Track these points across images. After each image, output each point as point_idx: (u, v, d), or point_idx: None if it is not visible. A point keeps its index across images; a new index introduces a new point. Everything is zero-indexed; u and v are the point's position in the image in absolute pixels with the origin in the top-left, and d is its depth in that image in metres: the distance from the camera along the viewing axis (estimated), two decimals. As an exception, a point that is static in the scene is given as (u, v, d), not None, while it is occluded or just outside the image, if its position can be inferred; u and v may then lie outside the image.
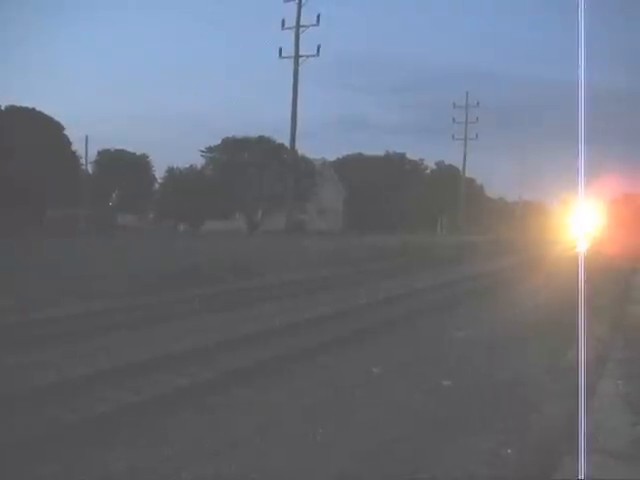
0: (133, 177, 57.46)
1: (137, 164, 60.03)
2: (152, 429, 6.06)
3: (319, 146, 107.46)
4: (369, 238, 34.79)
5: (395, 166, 76.18)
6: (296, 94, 32.01)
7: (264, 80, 79.89)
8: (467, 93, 56.93)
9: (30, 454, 5.24)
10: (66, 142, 50.63)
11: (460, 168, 60.64)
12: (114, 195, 60.50)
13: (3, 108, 46.95)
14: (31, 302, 12.90)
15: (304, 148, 53.12)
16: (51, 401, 6.65)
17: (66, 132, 50.51)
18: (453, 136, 57.27)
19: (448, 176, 71.18)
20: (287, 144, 35.82)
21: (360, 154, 76.60)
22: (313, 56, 32.11)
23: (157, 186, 61.56)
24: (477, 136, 56.63)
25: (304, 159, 54.04)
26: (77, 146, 53.23)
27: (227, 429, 6.13)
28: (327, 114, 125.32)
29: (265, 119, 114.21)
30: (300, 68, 31.99)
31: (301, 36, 32.15)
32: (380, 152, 78.75)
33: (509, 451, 5.63)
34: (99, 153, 59.42)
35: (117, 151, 60.06)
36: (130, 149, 60.65)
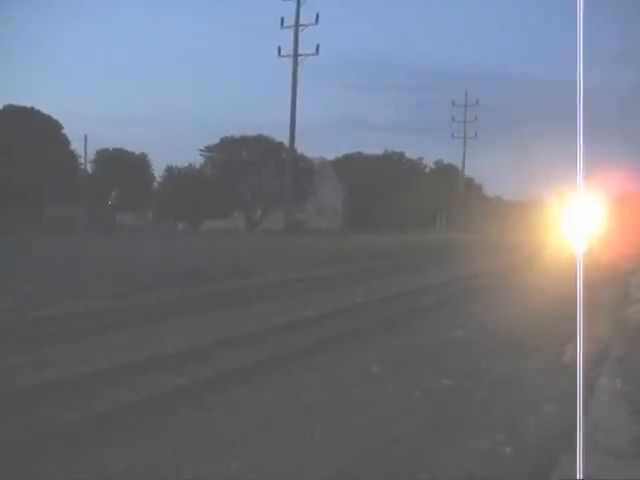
0: (132, 176, 57.43)
1: (136, 163, 59.99)
2: (151, 428, 6.06)
3: (318, 145, 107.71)
4: (366, 237, 34.78)
5: (394, 165, 76.17)
6: (295, 93, 32.06)
7: (263, 79, 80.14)
8: (466, 92, 57.10)
9: (29, 453, 5.24)
10: (65, 141, 50.60)
11: (459, 167, 60.74)
12: (113, 194, 60.47)
13: (2, 107, 46.93)
14: (30, 301, 12.90)
15: (303, 147, 53.15)
16: (50, 400, 6.65)
17: (65, 131, 50.53)
18: (452, 135, 57.49)
19: (447, 175, 71.21)
20: (286, 143, 35.87)
21: (359, 153, 76.60)
22: (312, 55, 32.19)
23: (156, 185, 61.55)
24: (476, 135, 56.82)
25: (303, 158, 54.02)
26: (76, 145, 53.24)
27: (226, 428, 6.13)
28: (326, 113, 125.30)
29: (264, 118, 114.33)
30: (299, 67, 32.05)
31: (300, 35, 32.21)
32: (379, 151, 78.81)
33: (507, 450, 5.63)
34: (98, 152, 59.38)
35: (116, 150, 60.02)
36: (129, 148, 60.65)
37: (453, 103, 57.05)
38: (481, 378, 8.09)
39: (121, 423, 6.06)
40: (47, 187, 41.68)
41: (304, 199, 53.07)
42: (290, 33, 32.22)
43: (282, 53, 32.59)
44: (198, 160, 58.91)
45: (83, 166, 56.09)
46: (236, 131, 57.44)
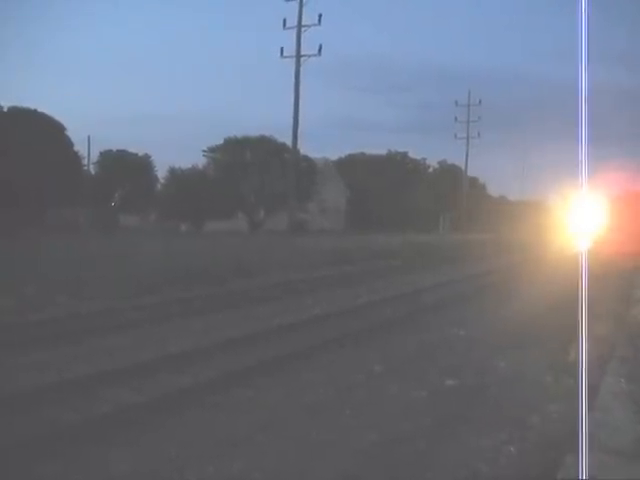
0: (135, 177, 57.48)
1: (139, 164, 60.05)
2: (154, 428, 6.05)
3: (321, 145, 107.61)
4: (369, 237, 34.76)
5: (397, 165, 76.16)
6: (298, 93, 32.05)
7: (266, 80, 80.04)
8: (469, 92, 57.05)
9: (31, 454, 5.24)
10: (68, 143, 50.65)
11: (462, 167, 60.70)
12: (116, 196, 60.53)
13: (5, 109, 46.99)
14: (32, 302, 12.90)
15: (306, 147, 53.20)
16: (51, 401, 6.63)
17: (68, 133, 50.58)
18: (455, 135, 57.43)
19: (450, 175, 71.20)
20: (289, 144, 35.86)
21: (362, 153, 76.56)
22: (315, 55, 32.18)
23: (159, 186, 61.60)
24: (479, 135, 56.75)
25: (306, 158, 54.02)
26: (79, 147, 53.31)
27: (229, 428, 6.11)
28: (329, 113, 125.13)
29: (267, 119, 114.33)
30: (302, 68, 32.04)
31: (303, 36, 32.21)
32: (382, 151, 78.77)
33: (512, 449, 5.61)
34: (101, 154, 59.48)
35: (119, 151, 60.09)
36: (132, 149, 60.71)
37: (456, 103, 57.03)
38: (486, 376, 8.07)
39: (124, 424, 6.04)
40: (50, 188, 41.70)
41: (307, 199, 53.05)
42: (293, 34, 32.26)
43: (285, 54, 32.61)
44: (201, 161, 59.02)
45: (86, 167, 56.21)
46: (239, 132, 57.53)
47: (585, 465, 3.49)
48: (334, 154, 75.34)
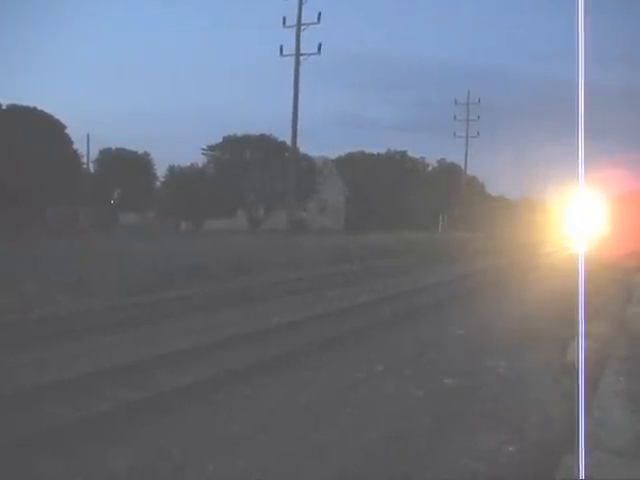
0: (135, 176, 57.44)
1: (138, 163, 60.00)
2: (154, 426, 6.06)
3: (320, 144, 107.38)
4: (368, 236, 34.73)
5: (397, 164, 76.09)
6: (297, 92, 31.99)
7: (265, 78, 79.96)
8: (469, 90, 56.95)
9: (31, 452, 5.25)
10: (68, 141, 50.62)
11: (462, 166, 60.64)
12: (116, 194, 60.49)
13: (4, 107, 46.94)
14: (32, 300, 12.91)
15: (305, 146, 53.24)
16: (52, 399, 6.65)
17: (67, 131, 50.54)
18: (455, 134, 57.24)
19: (450, 174, 71.12)
20: (289, 142, 35.81)
21: (362, 152, 76.48)
22: (314, 54, 32.11)
23: (159, 185, 61.56)
24: (479, 134, 56.61)
25: (305, 157, 53.98)
26: (78, 145, 53.28)
27: (230, 427, 6.12)
28: (328, 112, 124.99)
29: (266, 117, 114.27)
30: (301, 66, 31.98)
31: (302, 34, 32.14)
32: (382, 150, 78.72)
33: (510, 449, 5.62)
34: (100, 152, 59.45)
35: (118, 150, 60.05)
36: (131, 148, 60.67)
37: (455, 102, 56.89)
38: (485, 376, 8.08)
39: (123, 422, 6.05)
40: (49, 186, 41.69)
41: (307, 198, 52.99)
42: (292, 32, 32.17)
43: (284, 52, 32.52)
44: (200, 159, 58.93)
45: (86, 166, 56.18)
46: (238, 130, 57.47)
47: (583, 466, 3.51)
48: (333, 153, 75.35)
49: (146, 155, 61.75)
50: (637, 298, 14.34)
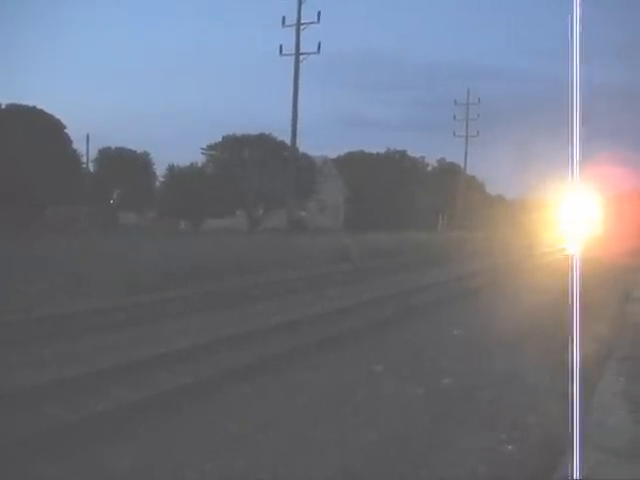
0: (134, 175, 57.41)
1: (138, 162, 59.96)
2: (154, 426, 6.07)
3: (320, 143, 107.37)
4: (367, 236, 34.72)
5: (396, 163, 76.08)
6: (297, 91, 32.00)
7: (265, 78, 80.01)
8: (468, 90, 56.96)
9: (31, 452, 5.26)
10: (67, 141, 50.61)
11: (461, 166, 60.64)
12: (115, 193, 60.45)
13: (3, 106, 46.91)
14: (32, 300, 12.91)
15: (305, 145, 53.10)
16: (52, 399, 6.66)
17: (67, 131, 50.52)
18: (454, 133, 57.23)
19: (449, 174, 71.12)
20: (288, 141, 35.83)
21: (361, 151, 76.46)
22: (314, 53, 32.13)
23: (158, 184, 61.52)
24: (478, 133, 56.60)
25: (305, 156, 53.99)
26: (78, 145, 53.26)
27: (229, 426, 6.13)
28: (328, 111, 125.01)
29: (266, 117, 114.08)
30: (301, 65, 31.99)
31: (302, 33, 32.15)
32: (381, 149, 78.69)
33: (509, 448, 5.63)
34: (100, 151, 59.38)
35: (118, 149, 60.00)
36: (131, 147, 60.62)
37: (455, 101, 56.88)
38: (483, 376, 8.09)
39: (122, 421, 6.06)
40: (49, 186, 41.67)
41: (306, 198, 53.02)
42: (292, 32, 32.18)
43: (284, 52, 32.53)
44: (200, 159, 58.94)
45: (85, 165, 56.16)
46: (238, 130, 57.47)
47: (578, 465, 3.52)
48: (333, 152, 75.30)
49: (145, 155, 61.69)
50: (636, 297, 14.35)
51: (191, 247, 23.64)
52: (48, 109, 48.90)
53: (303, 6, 32.19)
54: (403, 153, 79.81)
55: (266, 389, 7.45)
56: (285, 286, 17.20)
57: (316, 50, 31.95)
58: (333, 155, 72.85)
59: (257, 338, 9.99)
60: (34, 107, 47.95)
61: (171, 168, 57.21)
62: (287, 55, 32.39)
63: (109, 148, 60.05)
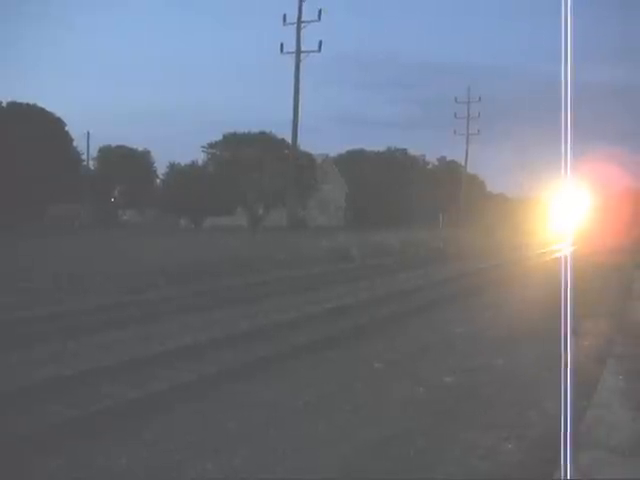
0: (135, 173, 57.48)
1: (138, 160, 60.05)
2: (154, 424, 6.07)
3: (321, 142, 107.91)
4: (368, 234, 34.73)
5: (397, 162, 76.13)
6: (298, 90, 31.95)
7: (266, 76, 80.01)
8: (469, 88, 56.88)
9: (32, 449, 5.27)
10: (68, 139, 50.67)
11: (462, 164, 60.62)
12: (116, 191, 60.54)
13: (4, 104, 46.96)
14: (33, 298, 12.92)
15: (306, 143, 53.33)
16: (52, 396, 6.66)
17: (67, 129, 50.58)
18: (455, 131, 57.16)
19: (450, 172, 71.15)
20: (289, 140, 35.80)
21: (362, 150, 76.54)
22: (315, 52, 32.07)
23: (159, 182, 61.61)
24: (479, 131, 56.54)
25: (306, 154, 53.99)
26: (78, 142, 53.33)
27: (230, 424, 6.14)
28: (329, 109, 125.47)
29: (267, 115, 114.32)
30: (302, 64, 31.95)
31: (302, 32, 32.09)
32: (382, 148, 78.78)
33: (510, 446, 5.64)
34: (100, 149, 59.48)
35: (118, 147, 60.08)
36: (132, 145, 60.73)
37: (456, 100, 56.79)
38: (484, 372, 8.10)
39: (122, 419, 6.07)
40: (50, 184, 41.73)
41: (307, 196, 53.03)
42: (293, 30, 32.12)
43: (285, 50, 32.48)
44: (200, 157, 59.00)
45: (86, 163, 56.21)
46: (239, 128, 57.51)
47: (569, 465, 3.52)
48: (334, 150, 75.51)
49: (146, 153, 61.82)
50: (637, 295, 14.34)
51: (192, 245, 23.67)
52: (49, 107, 49.00)
53: (304, 4, 32.15)
54: (404, 151, 79.87)
55: (266, 387, 7.46)
56: (285, 284, 17.18)
57: (317, 48, 31.91)
58: (334, 153, 73.02)
59: (257, 337, 10.00)
60: (35, 105, 48.02)
61: (172, 166, 57.30)
62: (288, 53, 32.35)
63: (109, 146, 60.13)
